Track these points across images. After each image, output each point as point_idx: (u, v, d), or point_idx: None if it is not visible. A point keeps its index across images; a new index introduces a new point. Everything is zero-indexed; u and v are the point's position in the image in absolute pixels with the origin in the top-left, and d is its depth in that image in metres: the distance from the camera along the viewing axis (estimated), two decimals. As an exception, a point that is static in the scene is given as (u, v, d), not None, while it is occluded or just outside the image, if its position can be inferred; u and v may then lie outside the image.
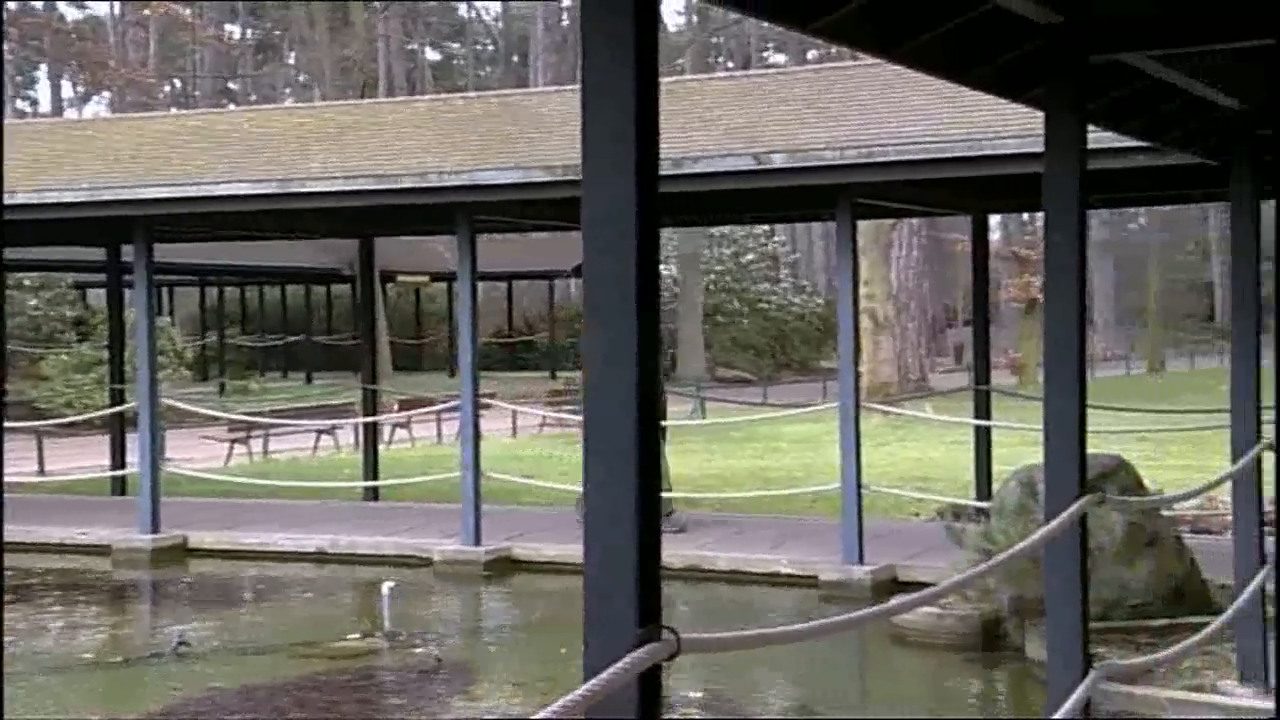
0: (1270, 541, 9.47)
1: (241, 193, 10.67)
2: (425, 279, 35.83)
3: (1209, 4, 4.68)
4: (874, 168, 8.77)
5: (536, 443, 19.07)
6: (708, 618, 8.81)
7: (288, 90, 53.80)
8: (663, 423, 13.04)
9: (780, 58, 38.03)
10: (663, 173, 9.17)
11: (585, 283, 2.52)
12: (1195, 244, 50.71)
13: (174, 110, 38.47)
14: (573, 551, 8.37)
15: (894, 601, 3.43)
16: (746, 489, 13.78)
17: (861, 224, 24.03)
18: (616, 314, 2.49)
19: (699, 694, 7.13)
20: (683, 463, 16.55)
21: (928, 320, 37.43)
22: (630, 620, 2.45)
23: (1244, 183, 6.16)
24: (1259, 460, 6.09)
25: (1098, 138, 7.51)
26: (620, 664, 2.35)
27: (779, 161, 8.95)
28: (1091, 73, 5.08)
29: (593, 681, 2.31)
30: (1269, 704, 5.62)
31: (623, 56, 2.46)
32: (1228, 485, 6.41)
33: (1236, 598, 5.82)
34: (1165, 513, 9.59)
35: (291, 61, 53.96)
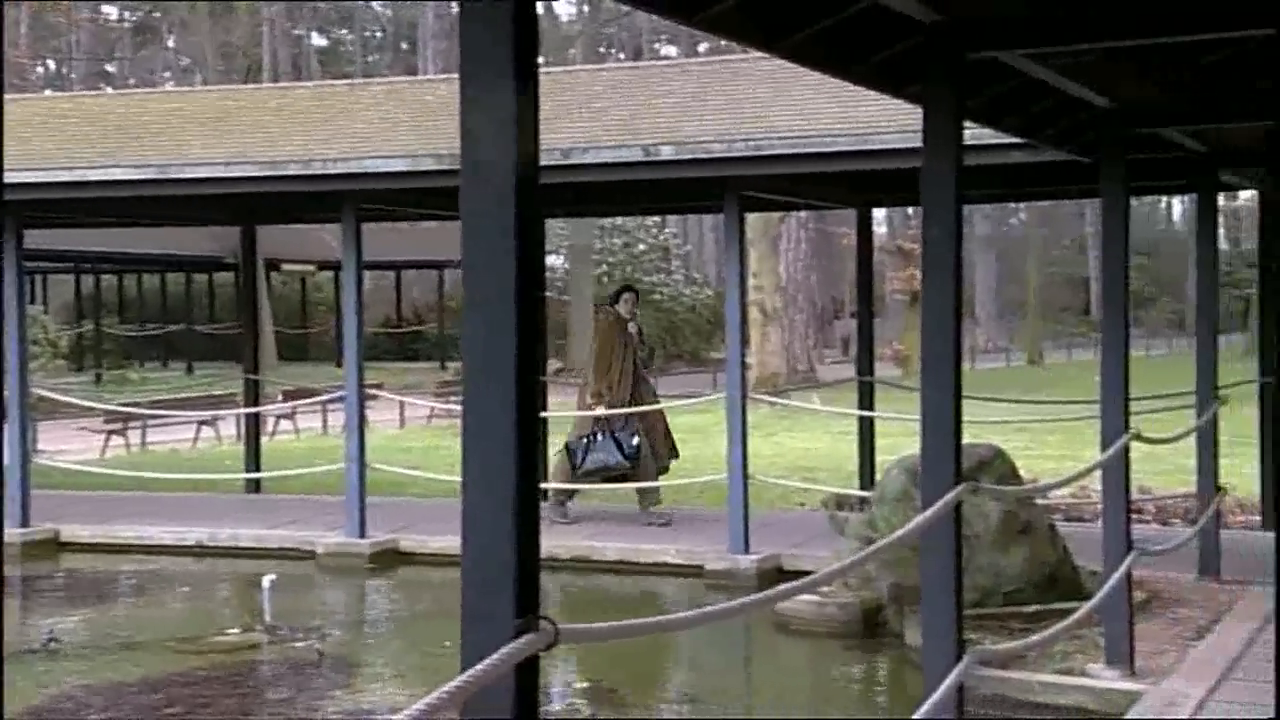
0: (1138, 528, 9.80)
1: (118, 178, 10.38)
2: (312, 268, 35.28)
3: (1078, 5, 4.81)
4: (760, 161, 8.85)
5: (425, 434, 18.91)
6: (594, 608, 8.83)
7: (168, 74, 52.46)
8: (552, 414, 12.99)
9: (671, 50, 38.15)
10: (551, 163, 9.28)
11: (465, 274, 2.51)
12: (1072, 240, 52.12)
13: (48, 92, 37.27)
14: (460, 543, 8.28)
15: (771, 591, 3.48)
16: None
17: (750, 217, 24.26)
18: (496, 306, 2.48)
19: (584, 685, 7.15)
20: (572, 454, 16.55)
21: (816, 312, 37.89)
22: (507, 611, 2.45)
23: (1114, 179, 6.34)
24: (1127, 449, 6.29)
25: (977, 134, 7.70)
26: (497, 655, 2.35)
27: (667, 153, 8.99)
28: (969, 70, 5.18)
29: (469, 672, 2.31)
30: (1133, 685, 5.82)
31: (502, 45, 2.45)
32: (1099, 474, 6.60)
33: (1105, 583, 6.00)
34: (1040, 501, 9.86)
35: (172, 45, 52.64)
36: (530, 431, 2.50)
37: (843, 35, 4.84)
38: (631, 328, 10.76)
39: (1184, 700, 5.41)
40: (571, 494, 10.69)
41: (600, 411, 10.42)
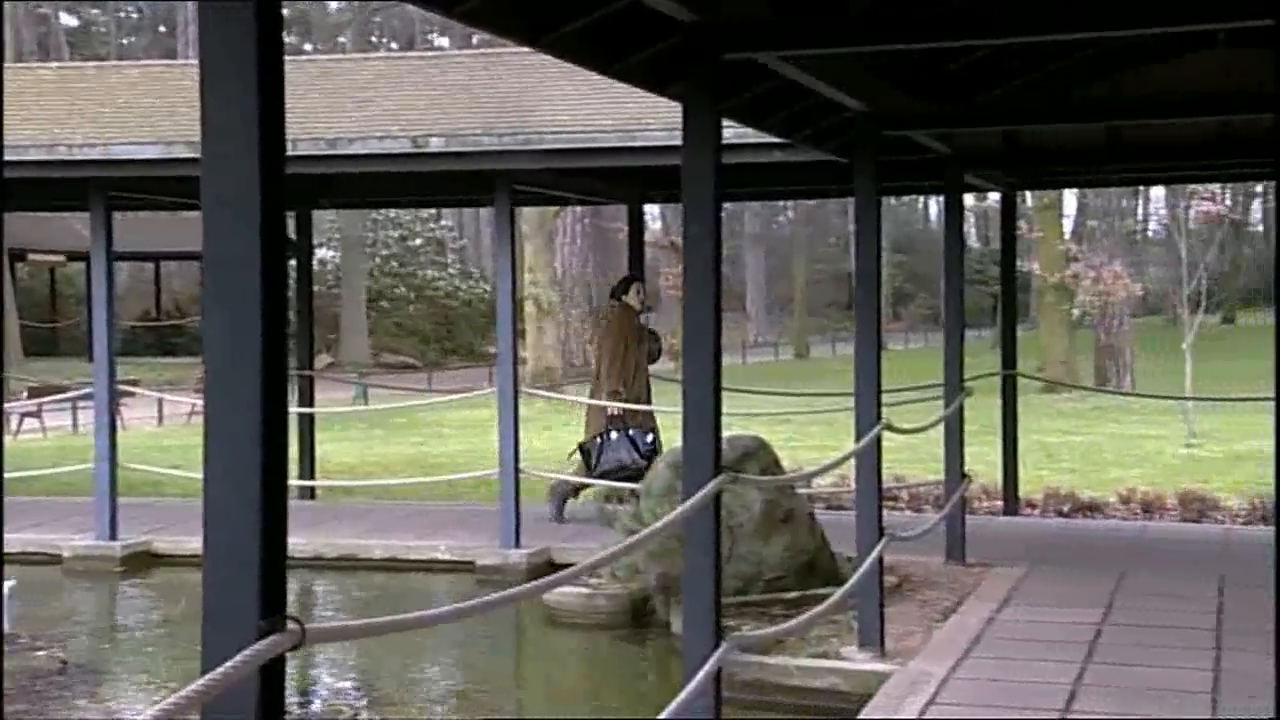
0: (893, 515, 10.24)
1: None
2: (61, 258, 33.52)
3: (831, 11, 4.99)
4: (530, 154, 8.86)
5: (185, 432, 18.22)
6: (357, 607, 8.67)
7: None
8: (320, 410, 12.68)
9: (444, 40, 37.73)
10: (317, 153, 9.03)
11: (206, 268, 2.44)
12: (837, 238, 53.99)
13: None
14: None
15: (522, 587, 3.49)
16: (408, 475, 13.67)
17: (526, 211, 24.26)
18: (239, 299, 2.42)
19: (347, 684, 7.03)
20: (343, 450, 16.23)
21: (592, 307, 38.19)
22: (251, 611, 2.39)
23: (866, 179, 6.58)
24: (879, 439, 6.55)
25: (740, 133, 7.92)
26: (239, 656, 2.28)
27: (436, 145, 8.90)
28: (729, 70, 5.30)
29: (209, 676, 2.23)
30: (883, 666, 6.07)
31: (244, 28, 2.38)
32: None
33: (858, 569, 6.25)
34: (802, 490, 10.19)
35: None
36: (277, 427, 2.44)
37: (605, 32, 4.89)
38: (643, 319, 10.20)
39: (928, 679, 5.68)
40: (575, 494, 10.20)
41: (594, 402, 9.96)
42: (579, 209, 26.41)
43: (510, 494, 9.27)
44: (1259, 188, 37.55)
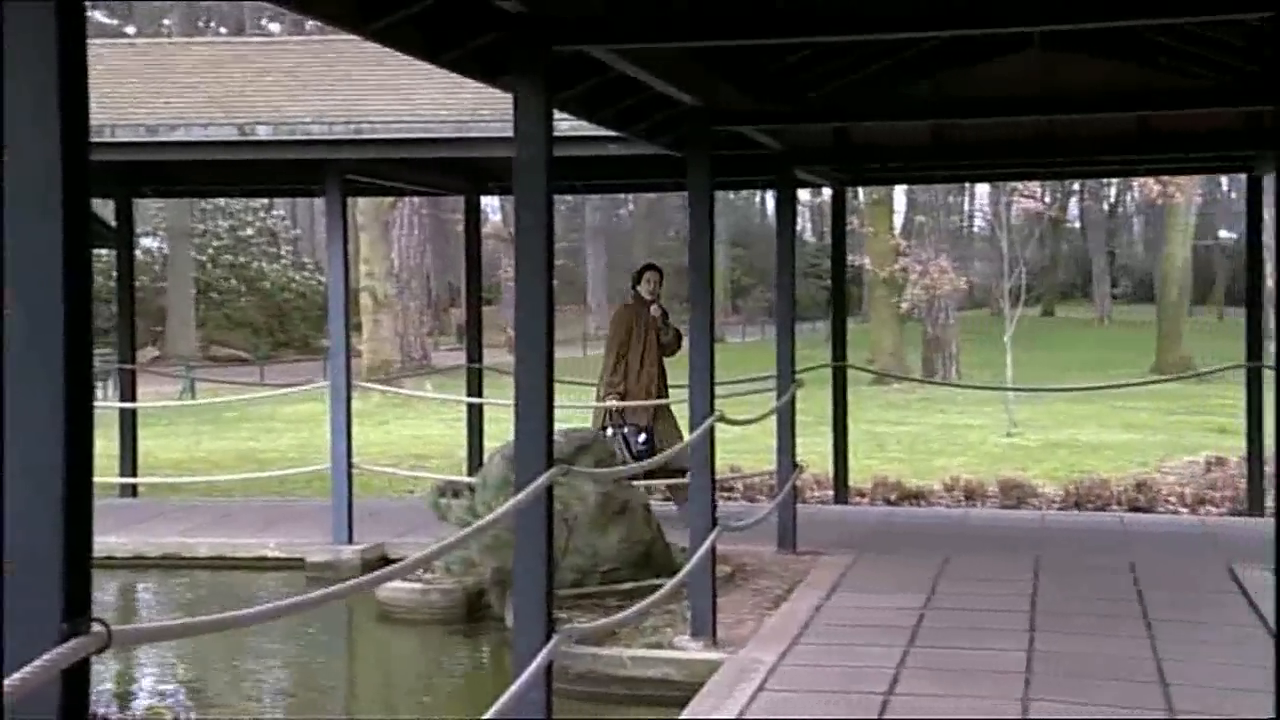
0: (729, 505, 10.39)
1: None
2: None
3: (659, 5, 5.03)
4: (362, 144, 8.71)
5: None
6: (177, 607, 8.41)
7: None
8: (142, 405, 12.26)
9: (276, 26, 36.82)
10: (136, 140, 8.74)
11: (6, 260, 2.34)
12: (677, 231, 54.46)
13: None
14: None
15: (349, 583, 3.44)
16: (238, 471, 13.32)
17: (362, 201, 23.83)
18: (40, 292, 2.34)
19: (170, 686, 6.82)
20: (169, 446, 15.74)
21: (431, 299, 37.75)
22: (54, 613, 2.31)
23: (699, 174, 6.66)
24: (712, 430, 6.64)
25: (576, 125, 7.91)
26: (40, 661, 2.20)
27: (264, 133, 8.68)
28: (561, 63, 5.30)
29: (7, 681, 2.15)
30: (714, 655, 6.16)
31: (44, 11, 2.29)
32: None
33: (690, 559, 6.32)
34: (638, 482, 10.26)
35: None
36: (82, 425, 2.37)
37: (433, 21, 4.84)
38: (654, 310, 9.67)
39: (758, 666, 5.78)
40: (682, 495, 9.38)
41: (610, 403, 9.47)
42: (416, 200, 26.09)
43: (343, 489, 9.11)
44: (1076, 185, 39.14)
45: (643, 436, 9.43)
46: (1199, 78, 7.51)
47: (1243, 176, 10.95)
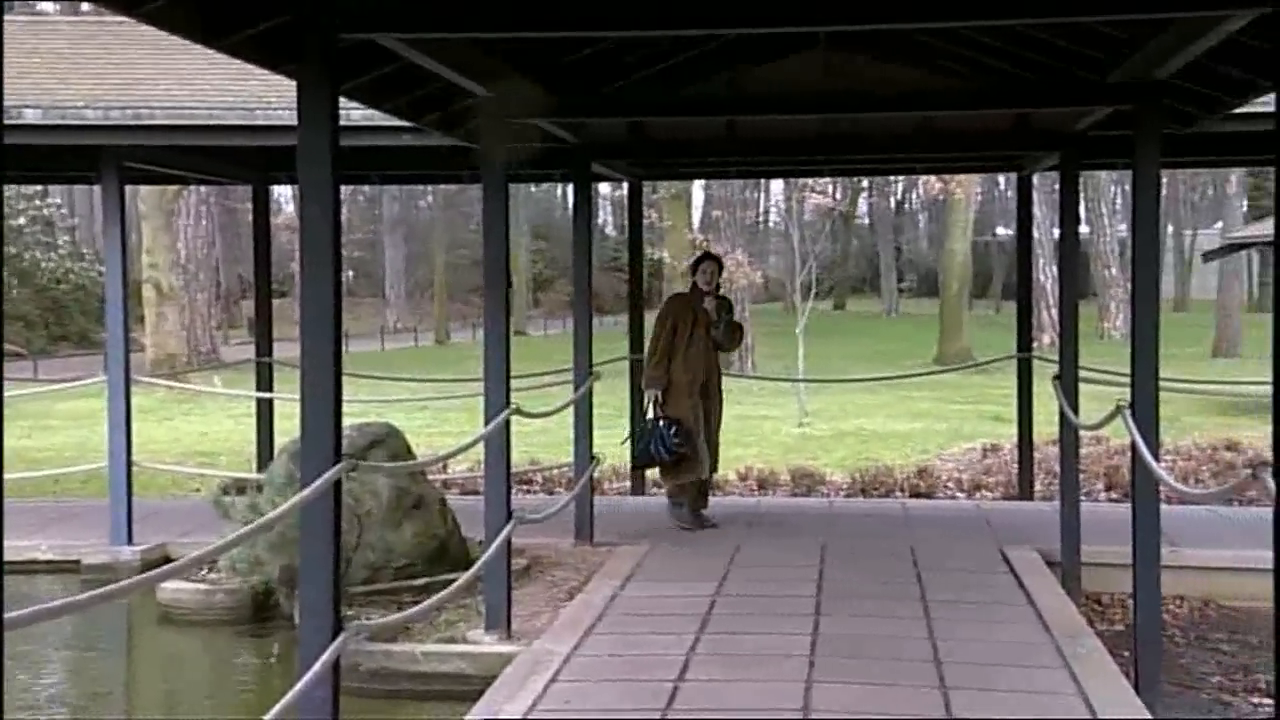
0: (527, 498, 10.40)
1: None
2: None
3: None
4: (141, 130, 8.36)
5: None
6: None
7: None
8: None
9: (49, 5, 35.03)
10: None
11: None
12: (478, 224, 54.08)
13: None
14: None
15: (121, 584, 3.31)
16: (9, 471, 12.62)
17: (144, 189, 22.85)
18: None
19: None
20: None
21: (221, 291, 36.50)
22: None
23: (493, 167, 6.63)
24: (508, 423, 6.62)
25: (368, 115, 7.78)
26: None
27: (32, 117, 8.24)
28: (348, 51, 5.19)
29: None
30: (509, 648, 6.15)
31: None
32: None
33: (485, 552, 6.29)
34: (435, 476, 10.16)
35: None
36: None
37: (212, 4, 4.68)
38: (708, 303, 8.97)
39: (551, 657, 5.80)
40: (679, 498, 9.03)
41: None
42: (204, 189, 25.19)
43: (121, 488, 8.76)
44: (865, 183, 40.43)
45: (674, 429, 8.82)
46: (971, 80, 7.86)
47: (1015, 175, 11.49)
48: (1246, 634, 7.31)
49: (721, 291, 9.29)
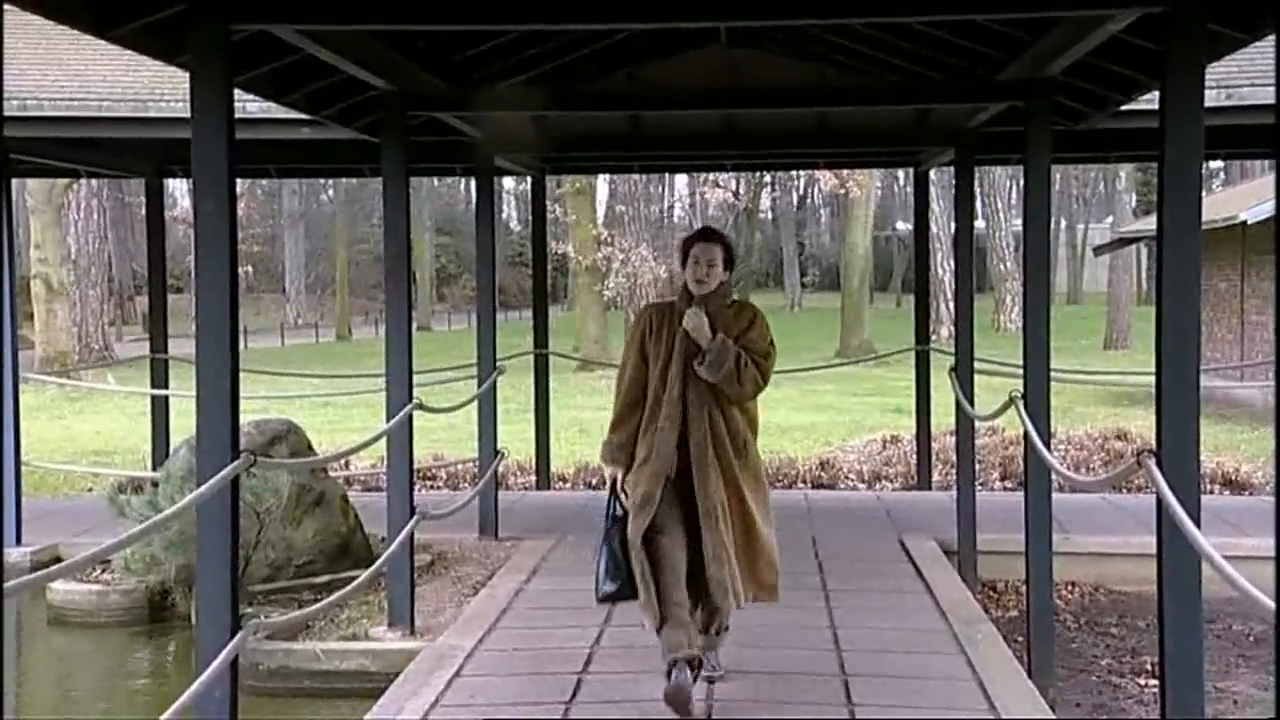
0: (432, 494, 10.33)
1: None
2: None
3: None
4: (26, 122, 8.14)
5: None
6: None
7: None
8: None
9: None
10: None
11: None
12: (379, 217, 53.53)
13: None
14: None
15: (7, 583, 3.23)
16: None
17: (32, 183, 22.25)
18: None
19: None
20: None
21: (114, 287, 35.68)
22: None
23: (394, 160, 6.57)
24: (410, 419, 6.58)
25: (266, 107, 7.66)
26: None
27: (-89, 107, 7.99)
28: (243, 42, 5.12)
29: None
30: (412, 644, 6.11)
31: None
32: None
33: (388, 549, 6.25)
34: (337, 473, 10.05)
35: None
36: None
37: (104, -7, 4.59)
38: (689, 318, 6.60)
39: (455, 652, 5.77)
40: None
41: None
42: (95, 182, 24.61)
43: (11, 488, 8.54)
44: (767, 178, 40.78)
45: (607, 553, 5.24)
46: (870, 77, 7.98)
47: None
48: (1135, 617, 7.53)
49: (735, 296, 5.48)
